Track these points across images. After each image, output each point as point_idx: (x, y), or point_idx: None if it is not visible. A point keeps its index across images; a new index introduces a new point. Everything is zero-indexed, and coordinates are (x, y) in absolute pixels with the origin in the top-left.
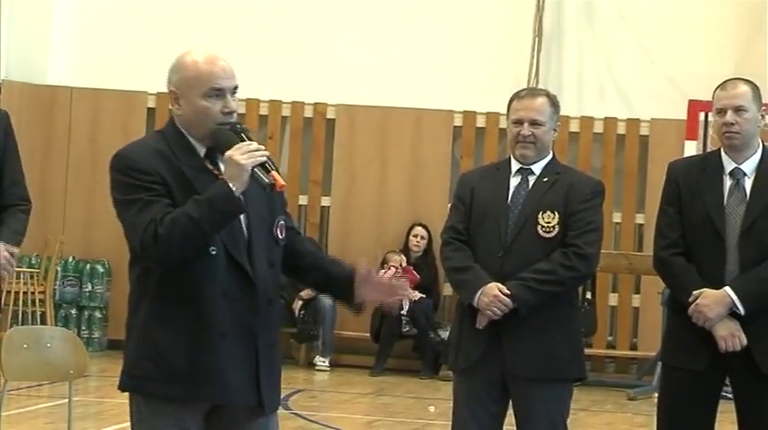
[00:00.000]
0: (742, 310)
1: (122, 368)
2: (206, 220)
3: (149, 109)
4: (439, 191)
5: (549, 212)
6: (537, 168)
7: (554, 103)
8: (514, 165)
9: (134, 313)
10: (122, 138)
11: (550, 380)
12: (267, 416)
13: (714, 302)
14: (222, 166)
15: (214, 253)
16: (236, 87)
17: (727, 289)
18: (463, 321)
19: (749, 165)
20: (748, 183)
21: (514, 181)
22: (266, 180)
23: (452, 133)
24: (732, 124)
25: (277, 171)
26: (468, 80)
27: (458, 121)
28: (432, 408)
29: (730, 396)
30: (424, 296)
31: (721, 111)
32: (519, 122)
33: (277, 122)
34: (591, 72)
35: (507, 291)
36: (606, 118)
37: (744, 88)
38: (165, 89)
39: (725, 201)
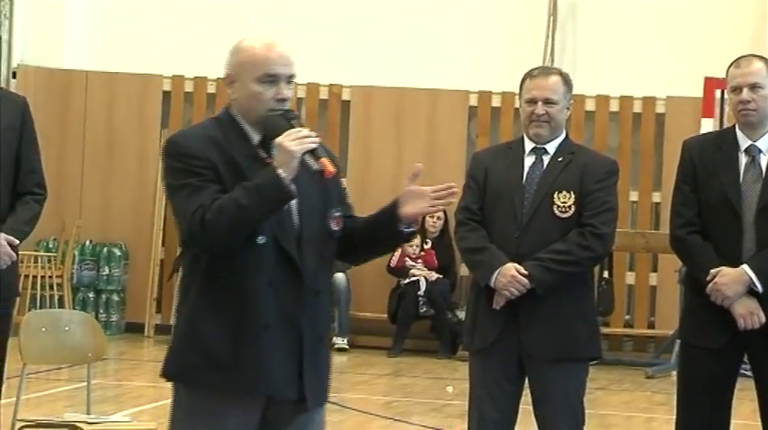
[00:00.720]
0: (760, 288)
1: (167, 354)
2: (254, 207)
3: (165, 92)
4: (455, 171)
5: (564, 192)
6: (551, 148)
7: (567, 81)
8: (528, 145)
9: (184, 300)
10: (138, 121)
11: (567, 359)
12: (311, 411)
13: (732, 280)
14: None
15: (262, 242)
16: (292, 75)
17: (745, 267)
18: (479, 302)
19: (765, 142)
20: (764, 160)
21: (529, 160)
22: (315, 166)
23: (468, 113)
24: (748, 101)
25: (330, 158)
26: (483, 60)
27: (473, 101)
28: (449, 389)
29: (749, 373)
30: (441, 276)
31: (736, 89)
32: (532, 101)
33: (292, 104)
34: (606, 50)
35: (524, 272)
36: (622, 96)
37: (758, 65)
38: (180, 72)
39: (741, 179)
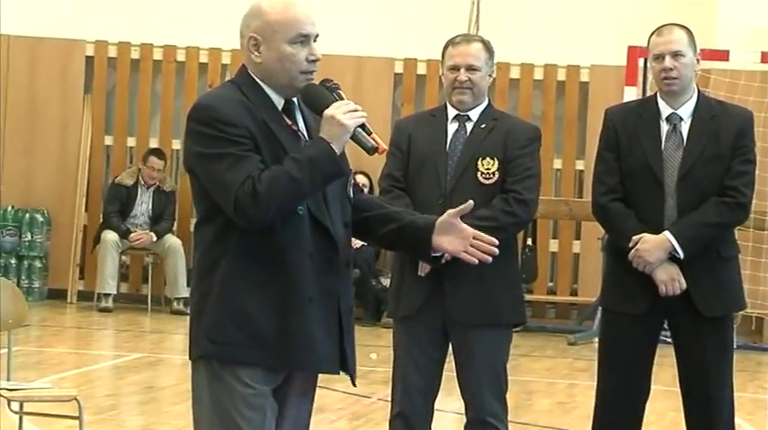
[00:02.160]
0: (681, 254)
1: (197, 332)
2: (307, 181)
3: (88, 57)
4: (380, 138)
5: (488, 158)
6: (474, 114)
7: (489, 48)
8: (451, 112)
9: (209, 273)
10: (60, 86)
11: (490, 325)
12: (353, 382)
13: (654, 247)
14: (300, 122)
15: (301, 212)
16: (317, 35)
17: (667, 233)
18: (404, 269)
19: (686, 110)
20: (685, 128)
21: (452, 127)
22: (370, 142)
23: (393, 80)
24: (671, 69)
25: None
26: (408, 28)
27: (398, 69)
28: (373, 355)
29: (669, 340)
30: (365, 244)
31: (659, 57)
32: (455, 68)
33: (217, 71)
34: (531, 19)
35: None
36: (546, 64)
37: (680, 33)
38: (103, 37)
39: (662, 146)
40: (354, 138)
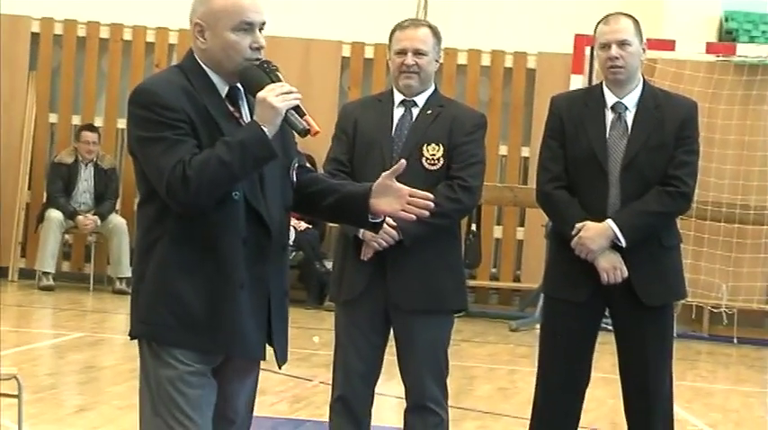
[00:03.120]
0: (624, 242)
1: (133, 313)
2: (237, 164)
3: (33, 34)
4: (327, 122)
5: (433, 145)
6: (420, 100)
7: (436, 33)
8: (397, 97)
9: (146, 256)
10: (5, 62)
11: (433, 311)
12: (279, 369)
13: (596, 235)
14: (244, 109)
15: (237, 197)
16: (264, 23)
17: (609, 221)
18: (347, 253)
19: (631, 100)
20: (630, 117)
21: (398, 112)
22: (301, 125)
23: (341, 64)
24: (617, 58)
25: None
26: (356, 11)
27: (346, 52)
28: (316, 339)
29: (610, 328)
30: (310, 227)
31: (605, 46)
32: (402, 52)
33: (164, 50)
34: (479, 4)
35: (393, 223)
36: (493, 51)
37: (626, 22)
38: (49, 14)
39: (607, 135)
40: (287, 120)
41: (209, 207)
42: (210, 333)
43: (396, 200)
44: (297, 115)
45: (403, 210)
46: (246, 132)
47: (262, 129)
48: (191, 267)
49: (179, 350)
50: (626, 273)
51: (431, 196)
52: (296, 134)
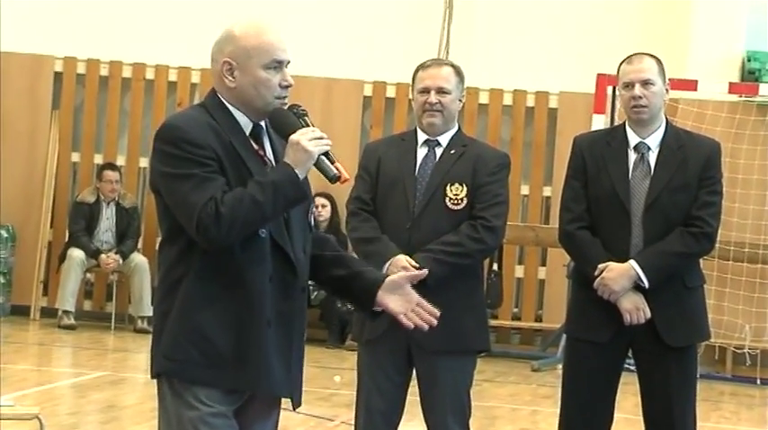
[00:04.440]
0: (646, 283)
1: (156, 350)
2: (269, 204)
3: (56, 73)
4: (349, 161)
5: (456, 184)
6: (444, 140)
7: (459, 72)
8: (421, 137)
9: (171, 293)
10: (28, 102)
11: (455, 351)
12: (295, 410)
13: (619, 275)
14: (267, 147)
15: (263, 235)
16: (289, 61)
17: (632, 262)
18: None
19: (654, 140)
20: (653, 158)
21: (421, 152)
22: (333, 171)
23: (362, 103)
24: (640, 98)
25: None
26: (378, 50)
27: (368, 91)
28: (337, 378)
29: (633, 368)
30: None
31: (628, 85)
32: (425, 91)
33: (186, 89)
34: (501, 44)
35: (415, 263)
36: (515, 90)
37: (650, 62)
38: (72, 53)
39: (630, 175)
40: (318, 165)
41: (236, 244)
42: (237, 370)
43: (403, 302)
44: (327, 161)
45: (406, 316)
46: (279, 173)
47: (294, 170)
48: (217, 304)
49: (203, 390)
50: (649, 314)
51: (436, 312)
52: (327, 180)
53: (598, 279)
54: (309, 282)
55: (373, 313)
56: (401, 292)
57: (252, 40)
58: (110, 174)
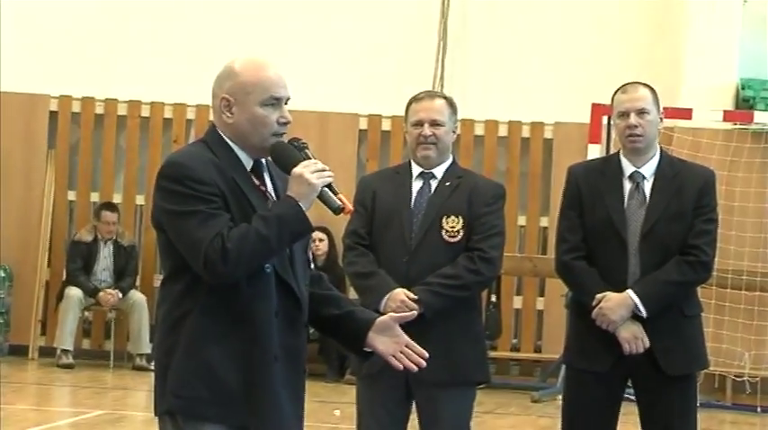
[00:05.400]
0: (644, 313)
1: (163, 388)
2: (275, 238)
3: (52, 112)
4: (345, 195)
5: (452, 217)
6: (438, 172)
7: (452, 104)
8: (415, 170)
9: (176, 330)
10: (24, 141)
11: (455, 383)
12: None
13: (617, 305)
14: (267, 183)
15: (268, 270)
16: (288, 98)
17: (629, 292)
18: None
19: (648, 169)
20: (648, 187)
21: (416, 185)
22: (336, 203)
23: (358, 136)
24: (636, 126)
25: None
26: (373, 83)
27: (363, 125)
28: (337, 412)
29: (633, 397)
30: None
31: (624, 115)
32: (419, 124)
33: (182, 126)
34: (495, 76)
35: (414, 296)
36: (511, 121)
37: (644, 91)
38: (67, 92)
39: (625, 205)
40: (321, 197)
41: (242, 280)
42: (246, 406)
43: (392, 343)
44: (331, 193)
45: (394, 356)
46: (283, 207)
47: (298, 203)
48: (224, 340)
49: (210, 427)
50: (647, 344)
51: (425, 354)
52: (331, 211)
53: (596, 309)
54: None
55: (364, 354)
56: (390, 334)
57: (250, 77)
58: (108, 215)
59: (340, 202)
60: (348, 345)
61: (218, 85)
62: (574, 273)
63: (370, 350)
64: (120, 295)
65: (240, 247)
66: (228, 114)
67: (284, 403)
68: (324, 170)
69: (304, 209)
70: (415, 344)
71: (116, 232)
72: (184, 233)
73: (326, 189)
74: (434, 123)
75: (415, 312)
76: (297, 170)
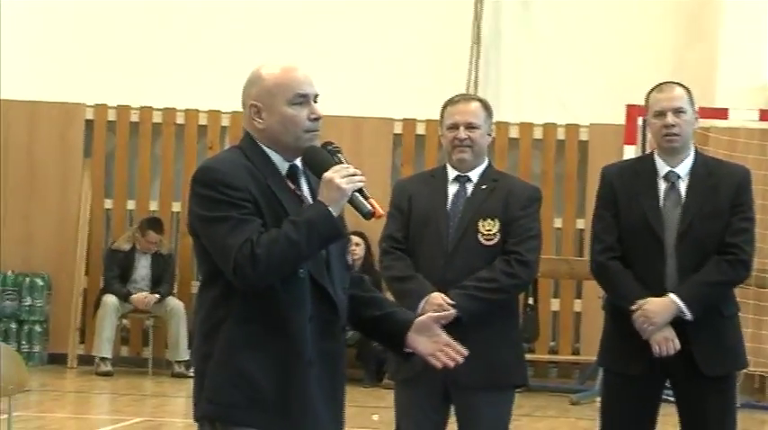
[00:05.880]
0: (689, 316)
1: (200, 394)
2: (304, 243)
3: (87, 121)
4: (380, 199)
5: (489, 220)
6: (474, 175)
7: (487, 107)
8: (451, 173)
9: (212, 337)
10: (60, 150)
11: (493, 387)
12: None
13: (660, 308)
14: (304, 187)
15: (302, 275)
16: (317, 95)
17: (672, 296)
18: None
19: (683, 168)
20: (683, 186)
21: (452, 188)
22: (367, 207)
23: (392, 141)
24: (673, 126)
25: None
26: (407, 88)
27: (398, 129)
28: (375, 417)
29: (672, 399)
30: None
31: (660, 114)
32: (455, 127)
33: (216, 132)
34: (529, 78)
35: (451, 302)
36: (545, 124)
37: (680, 90)
38: (102, 100)
39: (661, 204)
40: (352, 202)
41: (276, 285)
42: (281, 411)
43: (431, 343)
44: (361, 197)
45: (434, 355)
46: (313, 211)
47: (328, 208)
48: (258, 346)
49: None
50: (678, 346)
51: (464, 352)
52: (361, 216)
53: (638, 311)
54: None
55: (405, 354)
56: (429, 333)
57: (274, 79)
58: (153, 236)
59: (370, 207)
60: (389, 346)
61: (246, 94)
62: (608, 274)
63: (410, 351)
64: (157, 297)
65: (269, 253)
66: (259, 120)
67: (320, 407)
68: (355, 175)
69: (335, 213)
70: (455, 343)
71: (157, 247)
72: (215, 239)
73: (357, 194)
74: (470, 126)
75: (453, 312)
76: (327, 175)
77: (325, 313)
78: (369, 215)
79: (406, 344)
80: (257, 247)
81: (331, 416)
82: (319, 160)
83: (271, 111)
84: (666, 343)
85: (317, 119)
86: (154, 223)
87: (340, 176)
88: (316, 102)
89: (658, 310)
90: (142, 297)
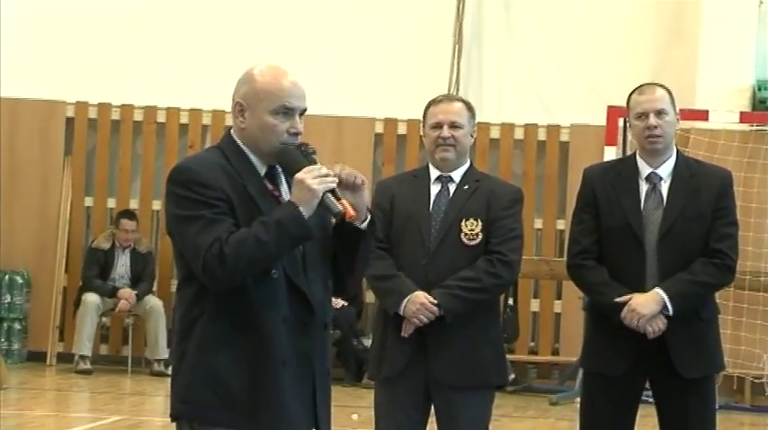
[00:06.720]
0: (671, 310)
1: (173, 394)
2: (273, 243)
3: (68, 118)
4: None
5: (471, 220)
6: (456, 175)
7: (470, 107)
8: (433, 173)
9: (186, 336)
10: (40, 147)
11: (474, 387)
12: None
13: (648, 301)
14: (283, 188)
15: (275, 276)
16: (305, 109)
17: (658, 289)
18: (387, 330)
19: (665, 170)
20: (665, 188)
21: (435, 188)
22: (337, 208)
23: (374, 140)
24: (655, 127)
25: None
26: (388, 87)
27: (379, 129)
28: (355, 416)
29: (651, 399)
30: (346, 304)
31: (642, 116)
32: (438, 126)
33: (197, 131)
34: (511, 79)
35: (434, 301)
36: (527, 124)
37: (662, 92)
38: (83, 98)
39: (642, 206)
40: (323, 202)
41: (249, 285)
42: (251, 411)
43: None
44: (333, 198)
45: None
46: (283, 212)
47: (298, 209)
48: (230, 345)
49: None
50: (663, 327)
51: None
52: (332, 216)
53: (626, 307)
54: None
55: (358, 223)
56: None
57: (265, 84)
58: (126, 223)
59: (341, 208)
60: (351, 238)
61: (237, 90)
62: (583, 274)
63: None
64: (136, 298)
65: (238, 252)
66: (241, 119)
67: (294, 408)
68: (327, 176)
69: (305, 214)
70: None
71: (134, 240)
72: (187, 237)
73: (329, 194)
74: (453, 125)
75: (436, 310)
76: (299, 176)
77: (300, 313)
78: (339, 215)
79: (344, 221)
80: (226, 247)
81: (303, 415)
82: (292, 161)
83: (253, 114)
84: (657, 323)
85: (296, 134)
86: (125, 213)
87: (312, 177)
88: (301, 116)
89: (646, 303)
90: (125, 292)
